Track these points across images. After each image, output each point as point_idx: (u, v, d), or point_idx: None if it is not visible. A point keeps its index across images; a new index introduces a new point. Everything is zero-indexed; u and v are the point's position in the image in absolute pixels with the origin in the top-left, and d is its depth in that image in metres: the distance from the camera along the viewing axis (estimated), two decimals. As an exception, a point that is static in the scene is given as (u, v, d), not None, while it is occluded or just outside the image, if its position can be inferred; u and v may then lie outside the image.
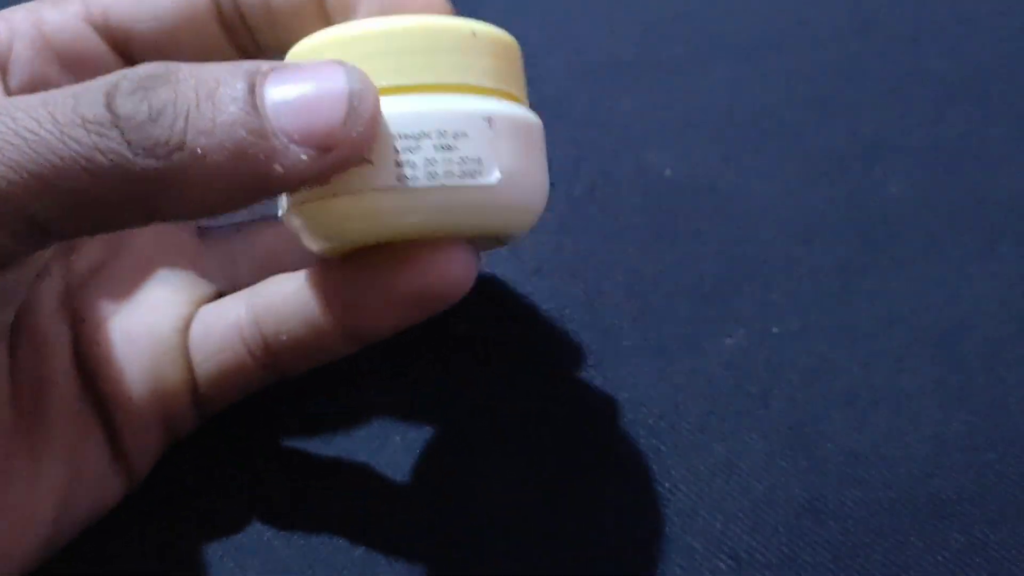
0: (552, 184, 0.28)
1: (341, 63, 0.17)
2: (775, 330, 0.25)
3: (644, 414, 0.23)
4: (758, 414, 0.23)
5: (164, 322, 0.21)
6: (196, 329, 0.21)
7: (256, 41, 0.21)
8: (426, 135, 0.17)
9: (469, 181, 0.17)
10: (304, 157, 0.16)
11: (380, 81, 0.17)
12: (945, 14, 0.33)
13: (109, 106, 0.16)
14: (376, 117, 0.17)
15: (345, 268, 0.20)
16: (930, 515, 0.22)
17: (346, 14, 0.19)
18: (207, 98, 0.16)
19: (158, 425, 0.21)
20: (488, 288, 0.26)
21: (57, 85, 0.18)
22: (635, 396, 0.24)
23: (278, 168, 0.16)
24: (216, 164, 0.16)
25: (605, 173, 0.28)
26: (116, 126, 0.15)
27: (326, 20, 0.20)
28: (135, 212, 0.16)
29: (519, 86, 0.19)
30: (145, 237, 0.22)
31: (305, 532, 0.21)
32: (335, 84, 0.16)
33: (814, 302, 0.25)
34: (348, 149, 0.16)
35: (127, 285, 0.21)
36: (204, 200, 0.16)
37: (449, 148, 0.17)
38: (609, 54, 0.31)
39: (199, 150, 0.15)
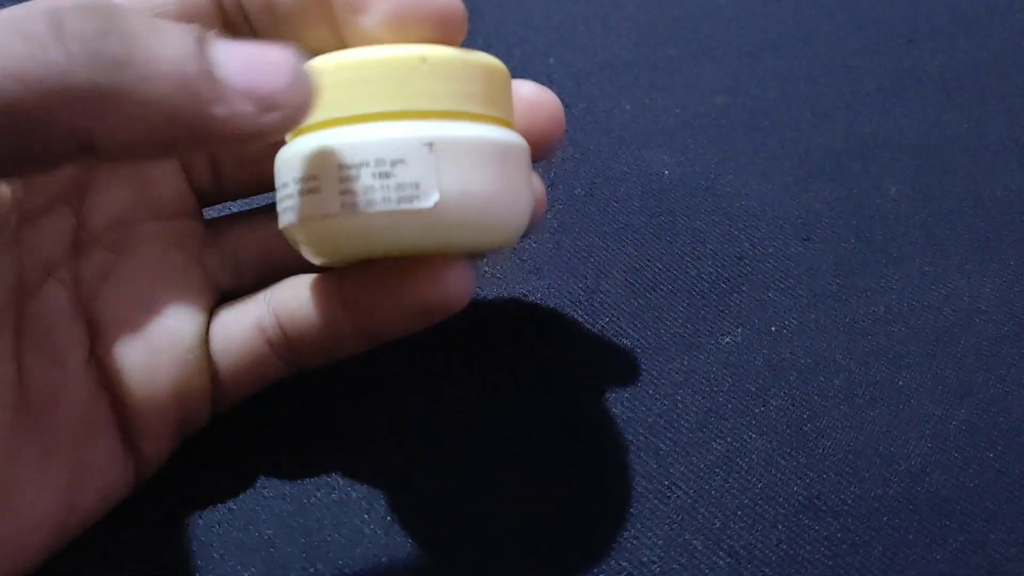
0: (552, 184, 0.28)
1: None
2: (773, 328, 0.25)
3: (643, 413, 0.23)
4: (756, 412, 0.23)
5: (186, 331, 0.21)
6: (218, 334, 0.21)
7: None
8: (365, 163, 0.18)
9: (405, 205, 0.18)
10: (246, 109, 0.16)
11: (326, 114, 0.18)
12: (943, 14, 0.33)
13: (54, 23, 0.15)
14: (313, 95, 0.17)
15: (357, 276, 0.20)
16: (929, 513, 0.22)
17: (354, 14, 0.20)
18: (156, 33, 0.16)
19: (175, 426, 0.21)
20: (488, 288, 0.26)
21: None
22: (634, 395, 0.24)
23: (220, 111, 0.16)
24: (158, 93, 0.15)
25: (605, 173, 0.28)
26: (59, 40, 0.15)
27: (331, 21, 0.20)
28: (67, 138, 0.16)
29: (493, 106, 0.19)
30: (151, 234, 0.22)
31: (306, 531, 0.22)
32: (280, 54, 0.17)
33: (812, 301, 0.25)
34: (290, 112, 0.16)
35: (140, 289, 0.21)
36: (140, 132, 0.16)
37: (387, 175, 0.18)
38: (609, 54, 0.31)
39: (142, 73, 0.15)
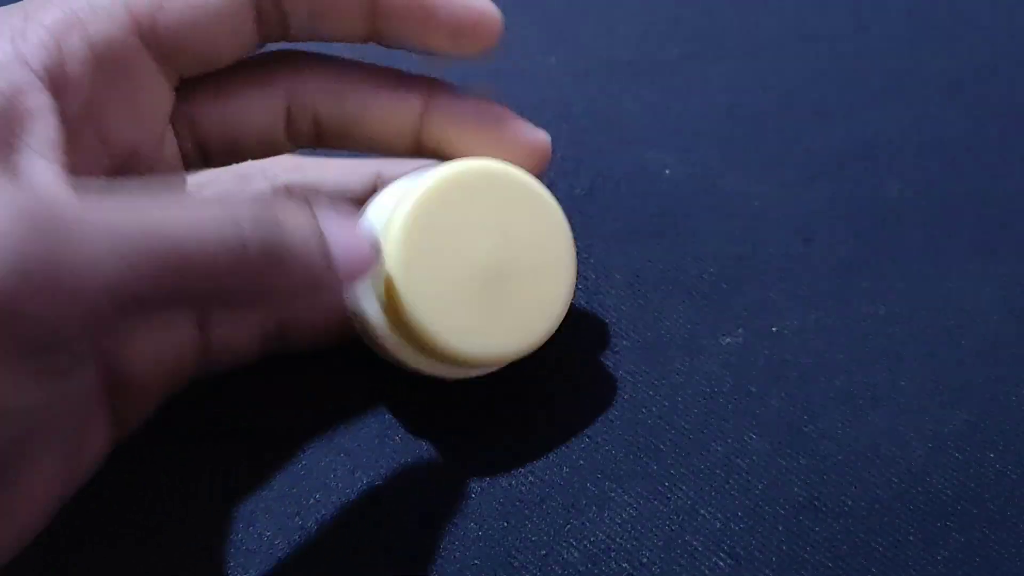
0: (552, 184, 0.28)
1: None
2: (774, 329, 0.25)
3: (644, 413, 0.23)
4: (757, 413, 0.23)
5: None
6: (219, 326, 0.22)
7: (287, 26, 0.21)
8: None
9: None
10: (338, 287, 0.18)
11: None
12: (944, 14, 0.33)
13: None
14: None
15: None
16: (929, 514, 0.22)
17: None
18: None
19: (156, 401, 0.22)
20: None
21: (108, 106, 0.19)
22: (634, 395, 0.24)
23: (326, 297, 0.21)
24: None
25: (605, 173, 0.28)
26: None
27: (371, 18, 0.21)
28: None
29: None
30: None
31: (306, 532, 0.22)
32: (363, 231, 0.18)
33: (813, 301, 0.25)
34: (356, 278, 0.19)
35: None
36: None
37: None
38: (609, 54, 0.31)
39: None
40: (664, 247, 0.26)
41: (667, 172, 0.28)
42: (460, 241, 0.21)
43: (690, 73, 0.31)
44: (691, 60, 0.31)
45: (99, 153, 0.19)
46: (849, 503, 0.22)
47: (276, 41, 0.21)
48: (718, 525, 0.22)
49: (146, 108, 0.20)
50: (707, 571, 0.21)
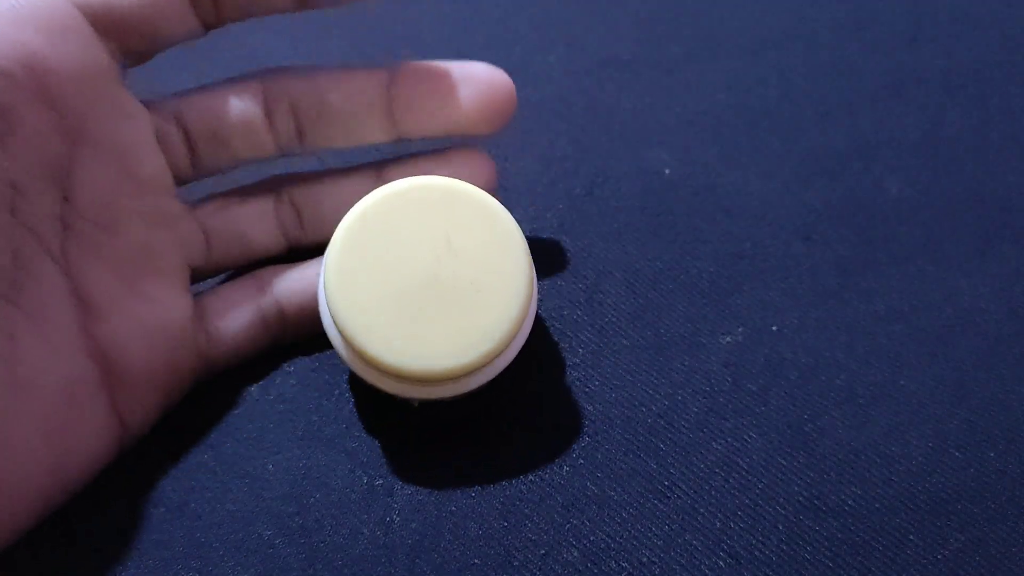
0: (552, 183, 0.28)
1: None
2: (774, 328, 0.25)
3: (643, 412, 0.23)
4: (757, 412, 0.23)
5: (176, 310, 0.22)
6: (215, 316, 0.23)
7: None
8: None
9: None
10: None
11: None
12: (943, 14, 0.33)
13: None
14: None
15: None
16: (929, 513, 0.22)
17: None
18: None
19: (163, 399, 0.22)
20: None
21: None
22: (634, 394, 0.24)
23: None
24: None
25: (605, 172, 0.28)
26: None
27: (386, 119, 0.24)
28: None
29: None
30: (133, 211, 0.22)
31: (306, 531, 0.22)
32: None
33: (813, 300, 0.25)
34: None
35: (128, 267, 0.22)
36: None
37: None
38: (608, 53, 0.31)
39: None
40: (664, 246, 0.26)
41: (667, 171, 0.28)
42: (401, 254, 0.20)
43: (690, 73, 0.31)
44: (691, 60, 0.31)
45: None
46: (849, 502, 0.22)
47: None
48: (718, 525, 0.22)
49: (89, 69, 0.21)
50: (707, 571, 0.21)
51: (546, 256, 0.26)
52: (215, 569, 0.21)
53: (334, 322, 0.21)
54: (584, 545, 0.21)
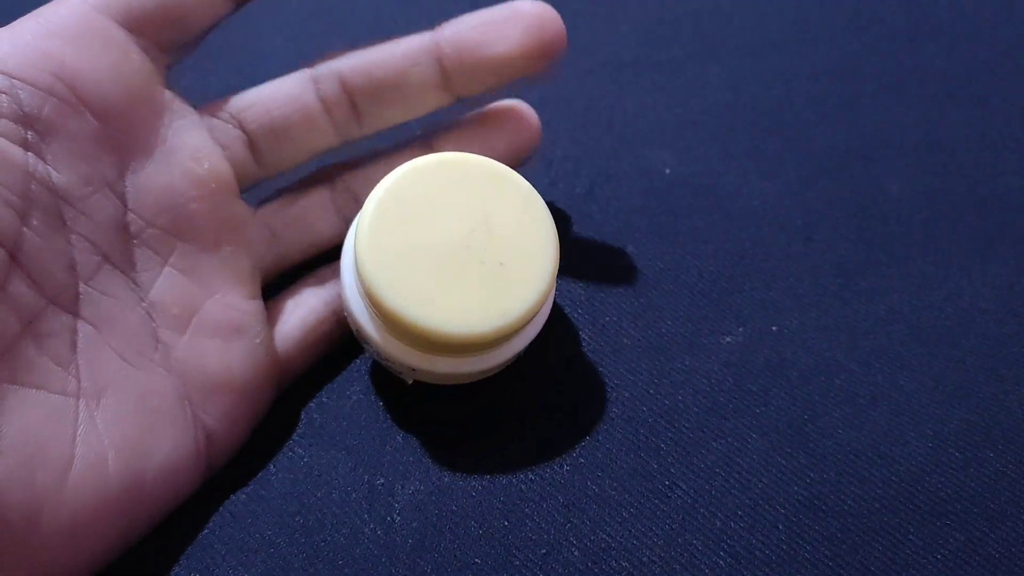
0: (552, 183, 0.28)
1: None
2: (775, 328, 0.25)
3: (644, 412, 0.23)
4: (757, 412, 0.23)
5: (251, 317, 0.22)
6: (288, 322, 0.23)
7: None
8: None
9: None
10: None
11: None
12: (943, 14, 0.33)
13: None
14: None
15: None
16: (929, 513, 0.22)
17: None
18: None
19: (246, 411, 0.22)
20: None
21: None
22: (635, 394, 0.24)
23: None
24: None
25: (605, 172, 0.28)
26: None
27: (441, 86, 0.24)
28: None
29: None
30: (199, 215, 0.22)
31: (306, 531, 0.22)
32: None
33: (813, 300, 0.25)
34: None
35: (199, 275, 0.22)
36: None
37: None
38: (610, 52, 0.31)
39: None
40: (664, 246, 0.26)
41: (667, 171, 0.28)
42: (431, 224, 0.21)
43: (690, 73, 0.31)
44: (691, 60, 0.31)
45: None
46: (849, 502, 0.22)
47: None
48: (718, 524, 0.22)
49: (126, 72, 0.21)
50: (707, 570, 0.21)
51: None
52: (216, 569, 0.21)
53: (358, 275, 0.21)
54: (585, 544, 0.21)
